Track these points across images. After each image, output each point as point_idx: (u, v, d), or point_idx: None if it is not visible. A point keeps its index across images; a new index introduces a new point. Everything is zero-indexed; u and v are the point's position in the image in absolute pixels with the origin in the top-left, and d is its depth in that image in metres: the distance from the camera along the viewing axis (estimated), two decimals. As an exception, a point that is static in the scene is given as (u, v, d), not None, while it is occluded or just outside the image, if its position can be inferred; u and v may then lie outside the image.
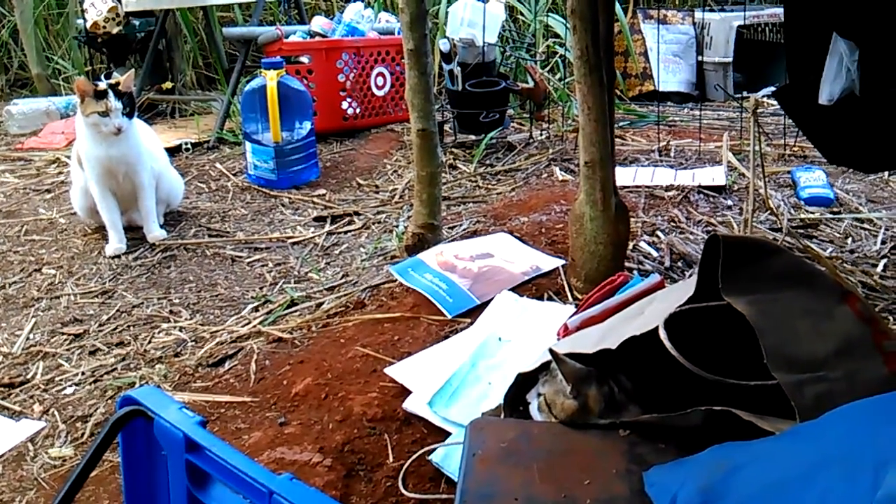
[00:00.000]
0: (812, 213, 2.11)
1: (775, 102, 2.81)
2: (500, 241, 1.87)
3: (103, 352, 1.71)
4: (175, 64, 3.90)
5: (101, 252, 2.21)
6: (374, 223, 2.32)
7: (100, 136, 2.13)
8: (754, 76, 3.66)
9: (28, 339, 1.79)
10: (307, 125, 2.72)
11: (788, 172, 2.39)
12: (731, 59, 3.64)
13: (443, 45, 2.80)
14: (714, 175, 2.35)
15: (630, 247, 1.76)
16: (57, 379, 1.63)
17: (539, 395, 1.00)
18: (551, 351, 0.97)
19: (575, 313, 1.33)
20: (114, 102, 2.09)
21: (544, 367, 1.01)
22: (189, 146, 3.14)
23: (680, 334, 0.95)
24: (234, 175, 2.81)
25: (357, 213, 2.40)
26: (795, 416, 0.82)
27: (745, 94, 3.42)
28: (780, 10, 3.59)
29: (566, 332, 1.27)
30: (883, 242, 1.92)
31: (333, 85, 3.15)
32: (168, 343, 1.72)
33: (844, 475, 0.69)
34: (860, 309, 0.93)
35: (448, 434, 1.23)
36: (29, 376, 1.65)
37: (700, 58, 3.75)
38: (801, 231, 1.99)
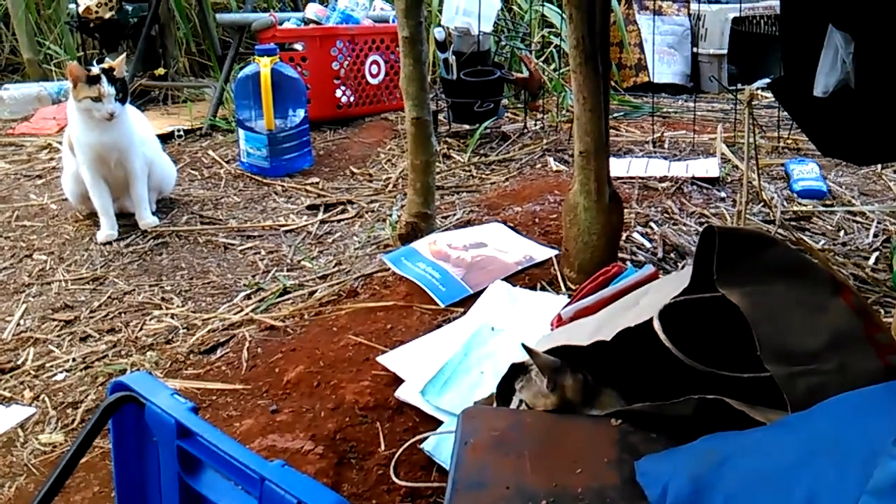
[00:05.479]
0: (805, 205, 2.12)
1: (770, 94, 2.82)
2: (493, 230, 1.87)
3: (94, 338, 1.71)
4: (168, 50, 3.87)
5: (92, 238, 2.20)
6: (367, 212, 2.32)
7: (92, 122, 2.12)
8: (749, 68, 3.66)
9: (19, 324, 1.79)
10: (301, 113, 2.71)
11: (782, 165, 2.39)
12: (725, 51, 3.63)
13: (438, 33, 2.78)
14: (708, 167, 2.35)
15: (623, 237, 1.76)
16: (47, 365, 1.62)
17: (520, 401, 1.00)
18: (524, 346, 0.97)
19: (568, 304, 1.32)
20: (107, 87, 2.07)
21: (520, 371, 1.01)
22: (181, 133, 3.12)
23: (674, 325, 0.95)
24: (227, 162, 2.79)
25: (350, 202, 2.40)
26: (787, 408, 0.83)
27: (739, 85, 3.42)
28: (775, 2, 3.58)
29: (560, 322, 1.27)
30: (875, 235, 1.93)
31: (327, 73, 3.13)
32: (159, 330, 1.71)
33: (834, 466, 0.69)
34: (853, 301, 0.93)
35: (440, 423, 1.24)
36: (19, 362, 1.64)
37: (695, 49, 3.74)
38: (794, 223, 2.00)
